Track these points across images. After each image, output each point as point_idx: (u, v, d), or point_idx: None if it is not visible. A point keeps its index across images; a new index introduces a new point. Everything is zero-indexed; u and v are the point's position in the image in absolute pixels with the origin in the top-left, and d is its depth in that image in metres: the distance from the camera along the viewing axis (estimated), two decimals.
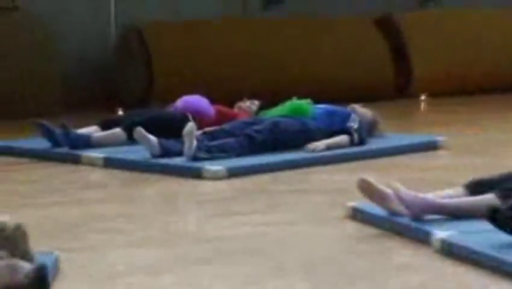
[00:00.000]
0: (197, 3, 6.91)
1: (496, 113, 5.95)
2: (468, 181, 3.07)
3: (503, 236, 2.66)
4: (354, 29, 6.36)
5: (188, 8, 6.80)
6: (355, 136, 4.44)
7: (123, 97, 6.11)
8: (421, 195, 2.91)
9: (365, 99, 4.96)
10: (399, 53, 6.54)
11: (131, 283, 2.61)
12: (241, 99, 4.94)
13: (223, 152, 4.20)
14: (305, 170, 4.14)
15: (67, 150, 4.33)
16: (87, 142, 4.45)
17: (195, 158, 4.06)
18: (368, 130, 4.55)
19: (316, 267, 2.72)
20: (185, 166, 4.03)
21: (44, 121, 4.46)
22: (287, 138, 4.37)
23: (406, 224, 2.91)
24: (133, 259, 2.83)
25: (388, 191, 3.00)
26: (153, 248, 3.02)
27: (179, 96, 4.93)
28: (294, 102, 4.60)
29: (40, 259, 2.65)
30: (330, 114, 4.62)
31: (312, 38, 6.33)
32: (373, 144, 4.41)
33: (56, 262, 2.70)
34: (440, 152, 4.51)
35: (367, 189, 3.09)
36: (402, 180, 3.06)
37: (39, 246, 2.66)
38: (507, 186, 2.99)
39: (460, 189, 3.07)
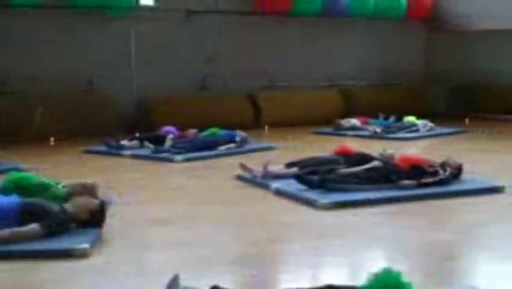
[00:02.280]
0: None
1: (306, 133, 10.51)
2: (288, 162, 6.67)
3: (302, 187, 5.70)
4: (235, 101, 11.26)
5: None
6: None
7: None
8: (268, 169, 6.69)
9: (239, 128, 9.21)
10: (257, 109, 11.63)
11: None
12: None
13: None
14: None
15: None
16: None
17: None
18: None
19: None
20: None
21: None
22: None
23: (265, 183, 6.06)
24: None
25: (253, 167, 6.77)
26: None
27: None
28: None
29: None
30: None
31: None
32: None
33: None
34: (274, 151, 8.72)
35: (243, 168, 6.77)
36: None
37: None
38: (306, 163, 7.23)
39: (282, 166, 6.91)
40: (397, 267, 3.57)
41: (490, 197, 5.82)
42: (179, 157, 7.88)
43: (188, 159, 7.88)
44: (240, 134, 8.73)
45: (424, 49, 13.83)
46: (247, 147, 8.67)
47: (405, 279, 2.93)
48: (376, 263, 3.83)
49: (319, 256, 4.28)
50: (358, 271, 3.75)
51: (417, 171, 5.96)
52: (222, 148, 8.40)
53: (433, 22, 13.48)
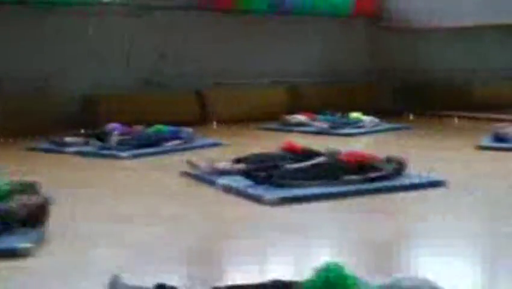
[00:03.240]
0: None
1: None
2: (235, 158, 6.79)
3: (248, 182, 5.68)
4: (182, 97, 11.27)
5: None
6: None
7: None
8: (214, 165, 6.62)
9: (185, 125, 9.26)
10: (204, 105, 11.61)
11: None
12: None
13: None
14: None
15: None
16: None
17: None
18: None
19: None
20: None
21: None
22: None
23: (211, 180, 6.05)
24: None
25: (200, 164, 6.65)
26: None
27: None
28: None
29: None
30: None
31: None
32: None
33: None
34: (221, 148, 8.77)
35: (190, 164, 6.68)
36: None
37: None
38: (253, 159, 6.83)
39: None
40: (342, 261, 3.60)
41: (432, 192, 5.94)
42: (125, 154, 7.82)
43: (134, 156, 7.81)
44: (186, 131, 8.69)
45: (370, 47, 13.99)
46: (194, 143, 8.64)
47: (349, 271, 2.96)
48: (322, 258, 3.83)
49: (266, 252, 4.30)
50: (304, 266, 3.76)
51: (362, 167, 6.03)
52: (168, 144, 8.35)
53: (379, 20, 13.64)
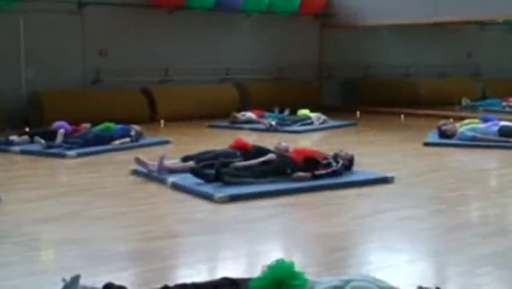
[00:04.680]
0: None
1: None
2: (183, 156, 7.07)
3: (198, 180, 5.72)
4: (130, 95, 11.14)
5: None
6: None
7: None
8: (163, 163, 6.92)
9: (133, 122, 9.21)
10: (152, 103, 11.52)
11: None
12: None
13: None
14: None
15: None
16: None
17: None
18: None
19: None
20: None
21: None
22: None
23: (160, 178, 6.02)
24: None
25: (149, 162, 6.63)
26: None
27: None
28: None
29: None
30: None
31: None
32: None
33: None
34: (170, 145, 8.77)
35: (139, 162, 6.57)
36: None
37: None
38: (202, 157, 6.71)
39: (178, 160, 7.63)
40: (291, 258, 3.62)
41: (379, 188, 6.02)
42: (71, 152, 7.70)
43: (81, 155, 7.72)
44: (134, 128, 8.62)
45: (317, 44, 14.11)
46: (142, 141, 8.60)
47: (297, 268, 2.96)
48: (271, 255, 3.86)
49: (216, 250, 4.29)
50: (254, 264, 3.79)
51: (310, 163, 6.08)
52: (116, 142, 8.26)
53: (326, 17, 13.76)
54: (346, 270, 3.80)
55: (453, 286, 3.65)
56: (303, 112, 11.01)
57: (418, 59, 15.08)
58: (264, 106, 11.44)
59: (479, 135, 8.65)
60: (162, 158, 6.32)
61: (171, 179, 6.00)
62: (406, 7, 12.35)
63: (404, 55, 14.95)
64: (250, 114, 10.97)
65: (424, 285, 3.21)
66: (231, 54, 12.88)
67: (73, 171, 7.07)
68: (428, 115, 11.83)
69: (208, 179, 5.80)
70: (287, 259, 2.96)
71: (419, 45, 15.12)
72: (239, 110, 11.39)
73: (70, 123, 8.67)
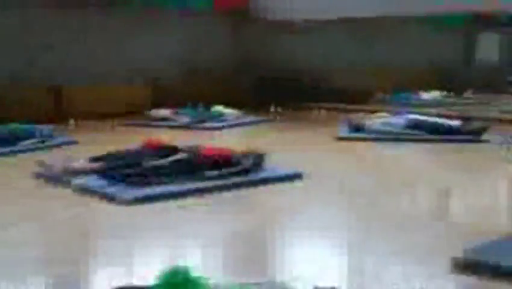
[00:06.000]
0: None
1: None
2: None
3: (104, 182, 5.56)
4: (37, 93, 10.78)
5: None
6: None
7: None
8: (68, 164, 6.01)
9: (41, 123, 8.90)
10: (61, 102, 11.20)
11: None
12: None
13: None
14: None
15: None
16: None
17: None
18: None
19: None
20: None
21: None
22: None
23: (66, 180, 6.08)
24: None
25: (53, 163, 5.93)
26: None
27: None
28: None
29: None
30: None
31: None
32: None
33: None
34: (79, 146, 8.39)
35: (42, 164, 6.00)
36: None
37: None
38: (110, 157, 7.09)
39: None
40: (198, 261, 3.55)
41: (291, 184, 6.02)
42: None
43: None
44: (42, 129, 8.33)
45: (234, 40, 14.04)
46: (51, 142, 8.28)
47: (194, 274, 2.89)
48: (176, 259, 3.78)
49: (124, 255, 4.16)
50: (156, 269, 3.67)
51: (220, 162, 6.01)
52: (23, 144, 7.96)
53: (242, 13, 13.71)
54: (256, 271, 3.75)
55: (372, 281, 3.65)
56: (218, 109, 10.94)
57: (336, 53, 15.24)
58: (179, 103, 11.29)
59: (388, 128, 8.82)
60: (67, 160, 6.12)
61: (76, 181, 5.81)
62: (320, 2, 12.46)
63: (324, 50, 15.07)
64: (164, 112, 10.81)
65: (321, 284, 3.18)
66: (144, 50, 12.64)
67: None
68: (343, 110, 11.96)
69: (115, 181, 5.64)
70: (182, 265, 2.88)
71: (338, 39, 15.28)
72: (153, 107, 11.19)
73: None
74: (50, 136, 8.40)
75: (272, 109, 12.63)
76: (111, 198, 5.32)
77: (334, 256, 4.18)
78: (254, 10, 13.48)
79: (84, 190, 5.65)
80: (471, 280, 3.52)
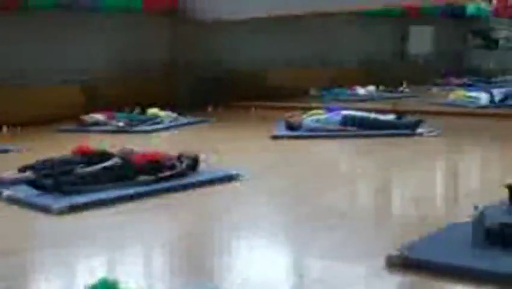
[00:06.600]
0: None
1: None
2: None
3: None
4: None
5: None
6: None
7: None
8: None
9: None
10: None
11: None
12: None
13: None
14: None
15: None
16: None
17: None
18: None
19: None
20: None
21: None
22: None
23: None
24: None
25: None
26: None
27: None
28: None
29: None
30: None
31: None
32: None
33: None
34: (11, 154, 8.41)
35: None
36: None
37: None
38: (41, 166, 6.91)
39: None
40: (132, 270, 3.51)
41: (226, 186, 6.01)
42: None
43: None
44: None
45: (169, 40, 13.94)
46: None
47: (125, 285, 2.88)
48: (117, 266, 3.74)
49: (59, 265, 4.08)
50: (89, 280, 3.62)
51: (154, 166, 5.96)
52: None
53: (177, 13, 13.63)
54: (194, 274, 3.73)
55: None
56: (153, 111, 10.85)
57: (274, 52, 15.29)
58: (115, 106, 11.13)
59: (321, 125, 8.91)
60: None
61: (6, 192, 5.66)
62: (259, 1, 12.49)
63: (263, 49, 15.09)
64: (99, 116, 10.64)
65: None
66: (78, 54, 12.43)
67: None
68: (279, 107, 12.00)
69: (46, 189, 5.53)
70: (110, 277, 2.84)
71: (277, 37, 15.33)
72: (88, 112, 11.00)
73: None
74: None
75: (209, 109, 12.61)
76: (43, 209, 5.20)
77: (284, 254, 4.20)
78: (192, 11, 13.41)
79: (15, 201, 5.51)
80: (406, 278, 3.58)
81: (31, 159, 6.60)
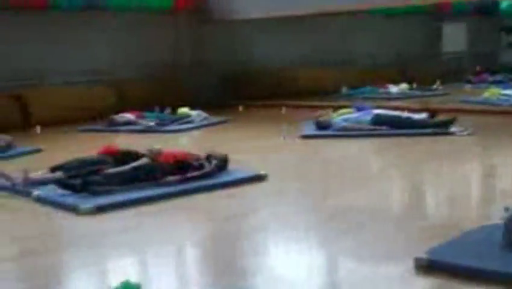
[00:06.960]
0: None
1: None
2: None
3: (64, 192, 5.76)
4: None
5: None
6: None
7: None
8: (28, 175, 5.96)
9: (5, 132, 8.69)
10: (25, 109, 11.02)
11: None
12: None
13: None
14: None
15: None
16: None
17: None
18: None
19: None
20: None
21: None
22: None
23: (25, 191, 6.28)
24: None
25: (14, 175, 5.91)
26: None
27: None
28: None
29: None
30: None
31: None
32: None
33: None
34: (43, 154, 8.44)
35: (2, 176, 5.87)
36: None
37: None
38: (70, 166, 6.20)
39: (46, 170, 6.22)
40: (163, 270, 3.50)
41: (253, 186, 5.97)
42: None
43: None
44: (3, 138, 8.18)
45: (194, 40, 13.94)
46: (12, 152, 8.11)
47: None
48: (147, 267, 3.73)
49: (87, 265, 4.08)
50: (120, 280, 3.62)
51: (181, 166, 5.95)
52: None
53: (201, 13, 13.63)
54: (220, 277, 3.70)
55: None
56: (183, 110, 10.86)
57: (298, 50, 15.23)
58: (144, 106, 11.16)
59: (351, 125, 8.80)
60: (26, 170, 6.01)
61: (36, 192, 5.70)
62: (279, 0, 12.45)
63: (284, 46, 15.04)
64: (129, 116, 10.68)
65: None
66: (105, 54, 12.54)
67: None
68: (308, 106, 11.92)
69: (75, 190, 5.55)
70: (133, 281, 2.82)
71: (298, 36, 15.27)
72: (118, 112, 11.05)
73: None
74: (10, 145, 8.18)
75: (240, 108, 12.59)
76: (72, 209, 5.22)
77: (307, 253, 4.16)
78: (215, 10, 13.40)
79: (43, 201, 5.54)
80: (433, 281, 3.51)
81: (63, 158, 6.64)
